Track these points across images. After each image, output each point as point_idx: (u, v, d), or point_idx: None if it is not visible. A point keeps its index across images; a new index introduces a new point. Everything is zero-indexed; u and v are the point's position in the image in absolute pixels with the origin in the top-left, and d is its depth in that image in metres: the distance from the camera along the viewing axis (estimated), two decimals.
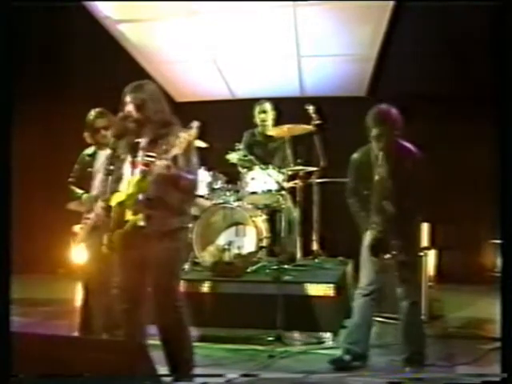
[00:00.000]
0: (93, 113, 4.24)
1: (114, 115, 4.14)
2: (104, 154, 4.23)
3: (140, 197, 3.19)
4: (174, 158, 3.09)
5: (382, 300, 3.88)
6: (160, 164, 3.06)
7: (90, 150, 4.36)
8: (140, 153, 3.30)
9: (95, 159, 4.28)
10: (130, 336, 3.31)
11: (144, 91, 3.30)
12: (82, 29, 6.27)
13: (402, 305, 3.69)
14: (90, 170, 4.24)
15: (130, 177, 3.27)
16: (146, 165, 3.20)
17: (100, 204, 3.43)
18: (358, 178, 3.78)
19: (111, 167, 3.39)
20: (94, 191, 4.17)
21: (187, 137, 3.07)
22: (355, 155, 3.83)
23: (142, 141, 3.33)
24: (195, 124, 3.11)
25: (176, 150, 3.06)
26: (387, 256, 3.56)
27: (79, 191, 4.26)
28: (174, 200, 3.26)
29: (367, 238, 3.70)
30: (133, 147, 3.33)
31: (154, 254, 3.23)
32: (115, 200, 3.27)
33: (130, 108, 3.29)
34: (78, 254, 4.16)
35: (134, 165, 3.29)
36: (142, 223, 3.18)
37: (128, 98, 3.29)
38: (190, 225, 4.85)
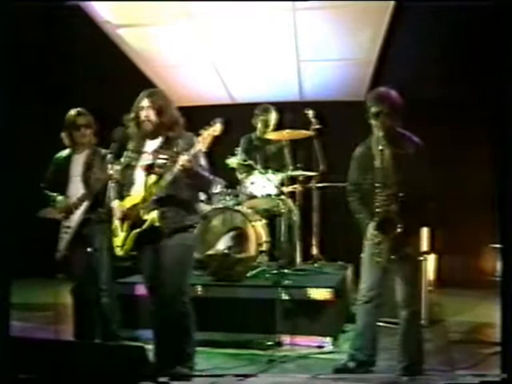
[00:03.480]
0: (73, 111, 4.23)
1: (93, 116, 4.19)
2: (80, 158, 4.22)
3: (154, 196, 3.28)
4: (196, 155, 3.19)
5: (382, 305, 3.82)
6: (184, 159, 3.13)
7: (64, 153, 4.32)
8: (150, 157, 3.38)
9: (70, 163, 4.25)
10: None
11: (160, 96, 3.45)
12: (81, 33, 6.26)
13: (402, 313, 3.60)
14: (64, 173, 4.21)
15: (142, 180, 3.36)
16: (160, 167, 3.28)
17: (117, 207, 3.47)
18: (360, 171, 3.68)
19: (110, 171, 3.43)
20: (71, 198, 4.15)
21: (211, 132, 3.16)
22: (356, 150, 3.77)
23: (152, 145, 3.43)
24: (218, 120, 3.18)
25: (199, 146, 3.16)
26: (396, 231, 3.37)
27: (53, 194, 4.21)
28: (187, 198, 3.39)
29: (370, 231, 3.55)
30: (141, 151, 3.44)
31: (167, 251, 3.33)
32: (130, 203, 3.37)
33: (148, 112, 3.37)
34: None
35: (145, 168, 3.36)
36: (157, 223, 3.27)
37: (145, 103, 3.39)
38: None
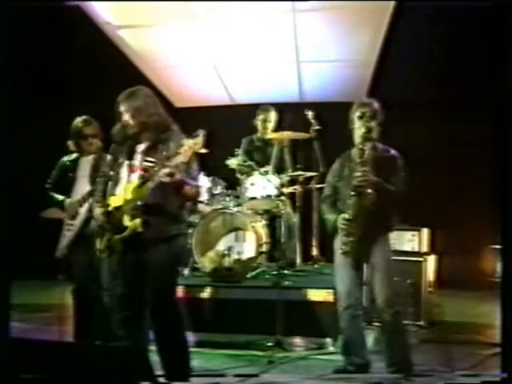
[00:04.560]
0: (79, 120, 4.20)
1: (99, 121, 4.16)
2: (87, 160, 4.21)
3: (139, 202, 3.18)
4: (177, 166, 3.08)
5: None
6: (164, 172, 3.04)
7: (71, 157, 4.31)
8: (138, 157, 3.30)
9: (77, 165, 4.23)
10: (132, 342, 3.31)
11: (137, 98, 3.30)
12: (81, 34, 6.27)
13: (384, 316, 3.52)
14: (70, 175, 4.20)
15: (127, 181, 3.27)
16: (145, 170, 3.20)
17: (99, 209, 3.41)
18: (337, 182, 3.72)
19: (111, 173, 3.40)
20: (76, 197, 4.13)
21: (193, 145, 3.04)
22: (334, 164, 3.83)
23: (141, 145, 3.34)
24: (201, 132, 3.08)
25: (181, 158, 3.04)
26: (369, 195, 3.39)
27: (59, 196, 4.21)
28: (173, 207, 3.28)
29: (339, 241, 3.60)
30: (131, 151, 3.34)
31: (152, 260, 3.23)
32: (112, 204, 3.28)
33: (125, 117, 3.30)
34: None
35: (131, 169, 3.28)
36: (140, 229, 3.17)
37: (122, 107, 3.31)
38: (190, 230, 4.86)
